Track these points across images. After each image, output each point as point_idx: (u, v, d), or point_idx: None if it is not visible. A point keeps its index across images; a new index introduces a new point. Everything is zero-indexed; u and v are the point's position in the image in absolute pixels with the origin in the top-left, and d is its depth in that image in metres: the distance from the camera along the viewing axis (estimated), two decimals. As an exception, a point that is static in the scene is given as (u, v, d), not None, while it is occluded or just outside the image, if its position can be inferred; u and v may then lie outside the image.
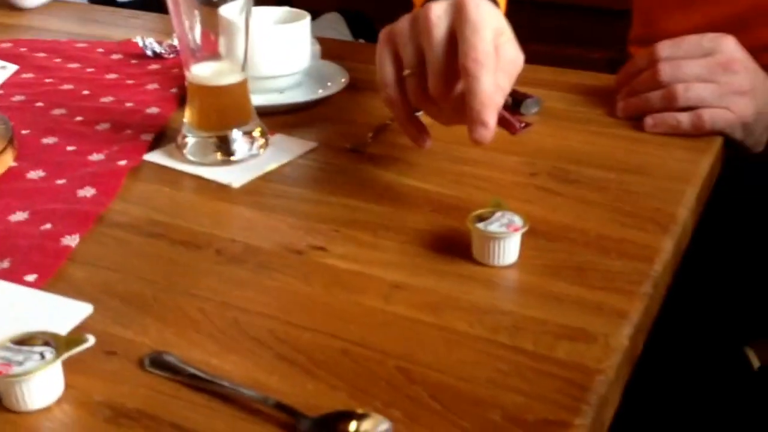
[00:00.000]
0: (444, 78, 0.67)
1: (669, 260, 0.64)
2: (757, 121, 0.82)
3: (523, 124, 0.83)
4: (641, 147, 0.81)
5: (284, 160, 0.79)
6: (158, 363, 0.52)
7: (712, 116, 0.80)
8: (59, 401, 0.50)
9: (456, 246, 0.65)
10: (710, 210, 0.77)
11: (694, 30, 0.96)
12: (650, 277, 0.60)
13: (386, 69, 0.71)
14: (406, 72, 0.70)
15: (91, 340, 0.50)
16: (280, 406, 0.48)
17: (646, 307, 0.58)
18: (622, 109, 0.86)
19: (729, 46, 0.81)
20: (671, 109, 0.82)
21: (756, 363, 0.87)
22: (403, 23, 0.70)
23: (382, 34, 0.73)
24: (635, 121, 0.85)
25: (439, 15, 0.67)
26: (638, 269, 0.61)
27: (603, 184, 0.73)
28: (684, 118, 0.81)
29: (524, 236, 0.63)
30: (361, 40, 1.60)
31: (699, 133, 0.81)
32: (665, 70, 0.81)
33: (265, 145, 0.80)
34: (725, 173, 0.83)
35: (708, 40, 0.81)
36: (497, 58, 0.67)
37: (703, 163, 0.78)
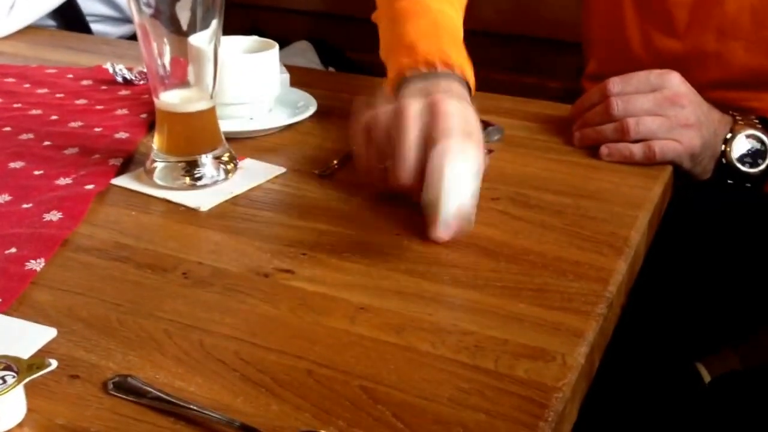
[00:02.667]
0: (414, 172, 0.71)
1: (623, 281, 0.66)
2: (703, 152, 0.86)
3: (485, 151, 0.84)
4: (597, 174, 0.83)
5: (253, 184, 0.80)
6: (122, 386, 0.52)
7: (661, 148, 0.84)
8: (21, 425, 0.50)
9: (420, 268, 0.66)
10: (661, 234, 0.80)
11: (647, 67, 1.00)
12: (605, 298, 0.62)
13: (364, 157, 0.76)
14: (387, 164, 0.73)
15: (53, 364, 0.50)
16: (246, 429, 0.49)
17: (602, 327, 0.60)
18: (578, 139, 0.89)
19: (675, 81, 0.85)
20: (624, 141, 0.85)
21: (707, 377, 0.89)
22: (383, 117, 0.74)
23: (361, 123, 0.76)
24: (591, 149, 0.87)
25: (414, 116, 0.71)
26: (594, 290, 0.63)
27: (561, 208, 0.75)
28: (636, 149, 0.85)
29: (485, 258, 0.64)
30: (331, 69, 1.61)
31: (650, 163, 0.84)
32: (617, 105, 0.85)
33: (234, 169, 0.81)
34: (675, 199, 0.87)
35: (655, 76, 0.85)
36: None
37: (654, 189, 0.80)
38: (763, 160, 0.87)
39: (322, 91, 1.01)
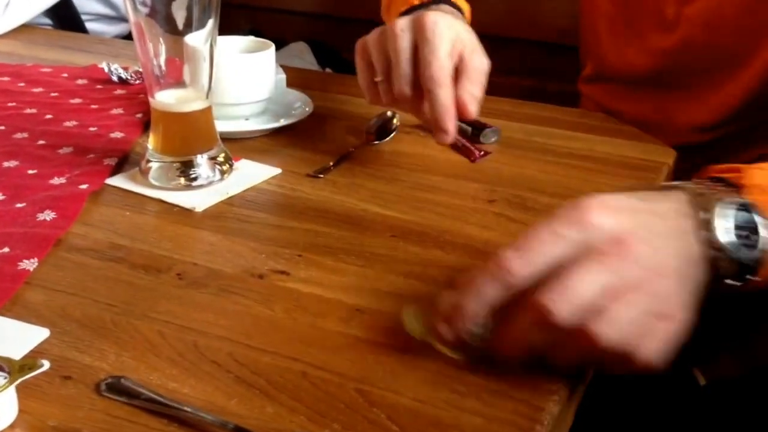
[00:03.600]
0: (408, 83, 0.78)
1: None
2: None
3: (482, 153, 0.85)
4: (594, 176, 0.83)
5: (248, 185, 0.80)
6: (115, 387, 0.52)
7: (656, 351, 0.54)
8: (12, 426, 0.49)
9: (416, 270, 0.65)
10: None
11: (642, 64, 0.99)
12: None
13: (361, 75, 0.83)
14: (377, 78, 0.80)
15: (45, 365, 0.50)
16: (240, 431, 0.48)
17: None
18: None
19: (595, 219, 0.53)
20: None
21: (702, 381, 0.88)
22: (374, 35, 0.81)
23: (358, 45, 0.83)
24: (588, 152, 0.86)
25: (402, 29, 0.77)
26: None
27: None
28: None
29: (481, 260, 0.64)
30: (328, 70, 1.61)
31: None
32: (555, 302, 0.50)
33: (229, 170, 0.81)
34: None
35: (562, 223, 0.53)
36: (464, 68, 0.77)
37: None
38: (755, 234, 0.57)
39: (317, 92, 1.01)
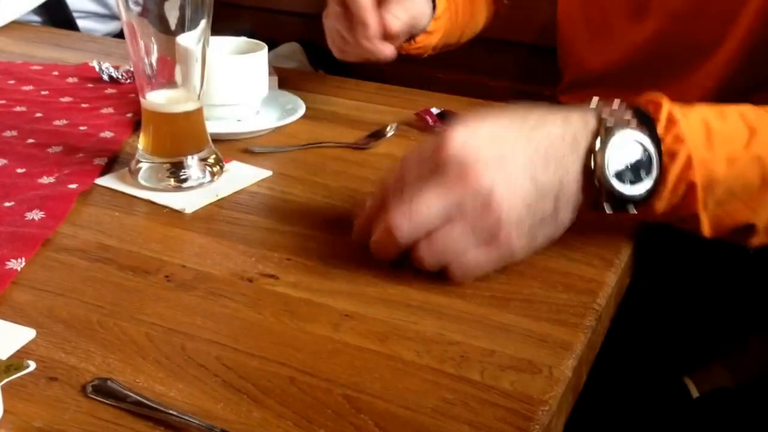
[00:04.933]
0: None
1: (612, 294, 0.65)
2: (536, 216, 0.63)
3: None
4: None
5: (238, 187, 0.79)
6: (101, 389, 0.52)
7: (463, 270, 0.63)
8: (-2, 427, 0.49)
9: (404, 276, 0.65)
10: (651, 246, 0.78)
11: (617, 59, 0.99)
12: (594, 310, 0.61)
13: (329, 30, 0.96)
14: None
15: (31, 365, 0.49)
16: (225, 435, 0.48)
17: (590, 339, 0.59)
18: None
19: (453, 147, 0.61)
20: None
21: (695, 392, 0.88)
22: None
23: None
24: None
25: None
26: (583, 302, 0.62)
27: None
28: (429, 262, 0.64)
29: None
30: (321, 70, 1.61)
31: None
32: (401, 228, 0.62)
33: (220, 172, 0.80)
34: None
35: (427, 148, 0.63)
36: None
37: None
38: (648, 173, 0.64)
39: (309, 94, 1.01)
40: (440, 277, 0.64)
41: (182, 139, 0.79)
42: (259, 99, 0.95)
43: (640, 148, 0.63)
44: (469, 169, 0.60)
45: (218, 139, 0.84)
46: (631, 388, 0.91)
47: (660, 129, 0.64)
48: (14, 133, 0.90)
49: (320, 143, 0.90)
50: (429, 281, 0.64)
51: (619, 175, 0.63)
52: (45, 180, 0.78)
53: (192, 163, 0.78)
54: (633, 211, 0.64)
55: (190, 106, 0.78)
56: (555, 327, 0.59)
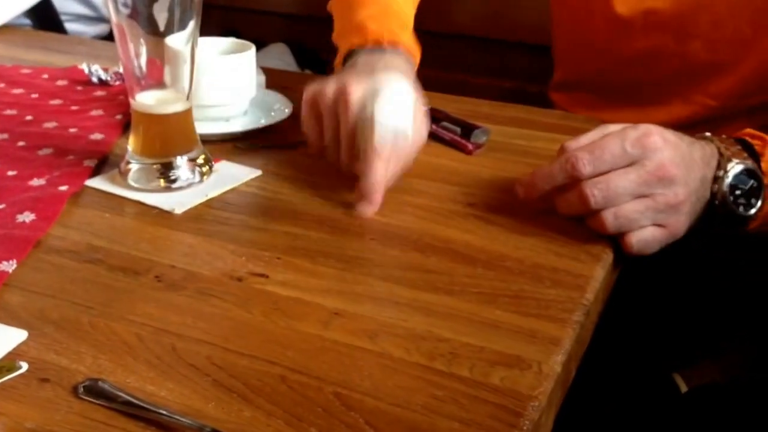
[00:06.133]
0: (352, 152, 0.76)
1: (600, 289, 0.66)
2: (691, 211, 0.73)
3: (475, 145, 0.85)
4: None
5: (228, 187, 0.80)
6: (92, 390, 0.52)
7: (640, 240, 0.71)
8: (-11, 428, 0.49)
9: (395, 274, 0.65)
10: None
11: (614, 73, 0.99)
12: (582, 306, 0.62)
13: (310, 131, 0.82)
14: (326, 144, 0.80)
15: (23, 366, 0.50)
16: (216, 434, 0.48)
17: (578, 335, 0.59)
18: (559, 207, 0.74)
19: (656, 145, 0.70)
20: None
21: (684, 388, 0.88)
22: (328, 94, 0.79)
23: (308, 95, 0.81)
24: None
25: (358, 101, 0.76)
26: (571, 297, 0.63)
27: (539, 214, 0.75)
28: (611, 227, 0.71)
29: (461, 264, 0.64)
30: (308, 71, 1.61)
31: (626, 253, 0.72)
32: (594, 196, 0.69)
33: (209, 172, 0.81)
34: None
35: (632, 144, 0.70)
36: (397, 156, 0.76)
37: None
38: (757, 199, 0.74)
39: (297, 94, 1.01)
40: (428, 273, 0.64)
41: (172, 140, 0.79)
42: (248, 99, 0.95)
43: (752, 180, 0.74)
44: (666, 169, 0.69)
45: (207, 140, 0.84)
46: (620, 383, 0.91)
47: (765, 164, 0.75)
48: (5, 136, 0.90)
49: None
50: (417, 279, 0.65)
51: (736, 203, 0.74)
52: (35, 182, 0.78)
53: (181, 163, 0.79)
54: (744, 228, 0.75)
55: (179, 107, 0.78)
56: (543, 323, 0.59)
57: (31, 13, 1.40)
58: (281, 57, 1.59)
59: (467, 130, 0.91)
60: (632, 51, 1.01)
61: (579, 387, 0.61)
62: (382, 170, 0.74)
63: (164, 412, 0.50)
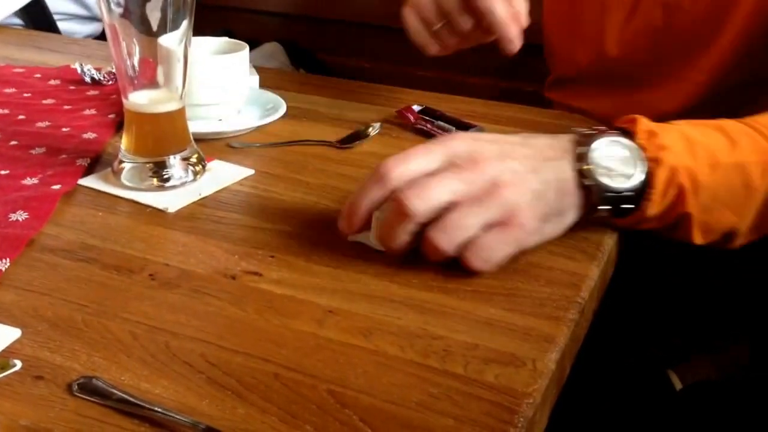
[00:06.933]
0: (470, 20, 0.89)
1: (595, 287, 0.66)
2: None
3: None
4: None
5: (221, 186, 0.80)
6: (87, 388, 0.52)
7: (478, 255, 0.64)
8: (-17, 426, 0.49)
9: (389, 272, 0.65)
10: (634, 239, 0.79)
11: (606, 60, 0.99)
12: (577, 304, 0.62)
13: (417, 31, 0.93)
14: (436, 28, 0.91)
15: (17, 364, 0.50)
16: (211, 431, 0.48)
17: (573, 333, 0.60)
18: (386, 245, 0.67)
19: (462, 140, 0.66)
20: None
21: (678, 385, 0.88)
22: None
23: (405, 8, 0.93)
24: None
25: None
26: (566, 296, 0.63)
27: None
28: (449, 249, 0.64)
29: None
30: (302, 70, 1.61)
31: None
32: (409, 199, 0.63)
33: (202, 171, 0.81)
34: None
35: (437, 143, 0.67)
36: None
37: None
38: (633, 172, 0.67)
39: (290, 93, 1.01)
40: (422, 271, 0.65)
41: (165, 139, 0.79)
42: (241, 98, 0.95)
43: (624, 150, 0.67)
44: (472, 161, 0.64)
45: (200, 139, 0.84)
46: (615, 381, 0.91)
47: (641, 140, 0.68)
48: (-4, 135, 0.89)
49: (302, 141, 0.90)
50: (411, 277, 0.65)
51: (610, 174, 0.67)
52: (28, 181, 0.78)
53: (174, 162, 0.78)
54: (627, 209, 0.68)
55: (172, 106, 0.78)
56: (538, 321, 0.60)
57: (23, 12, 1.40)
58: (275, 56, 1.59)
59: (463, 129, 0.91)
60: (623, 32, 1.02)
61: (573, 384, 0.61)
62: (504, 8, 0.85)
63: (159, 410, 0.50)
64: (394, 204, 0.64)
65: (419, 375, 0.54)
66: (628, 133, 0.69)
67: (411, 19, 0.92)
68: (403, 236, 0.64)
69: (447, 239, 0.63)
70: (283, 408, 0.51)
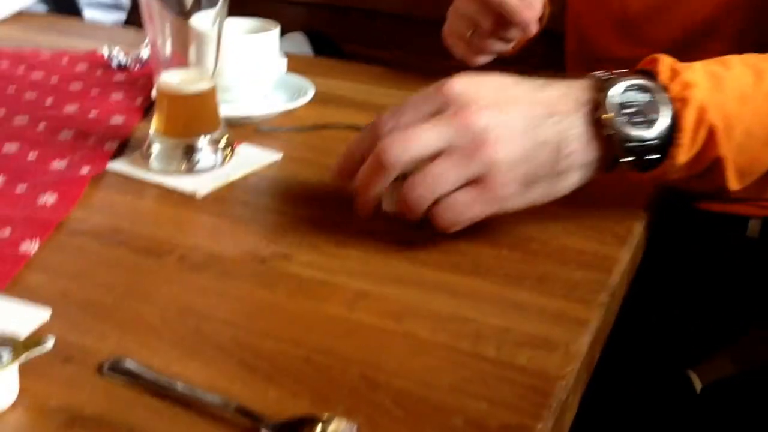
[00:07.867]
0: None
1: (625, 271, 0.65)
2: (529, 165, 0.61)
3: None
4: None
5: (249, 170, 0.79)
6: (117, 368, 0.52)
7: (446, 208, 0.62)
8: (14, 406, 0.49)
9: (420, 255, 0.65)
10: (656, 236, 0.76)
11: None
12: (608, 287, 0.61)
13: (456, 43, 1.00)
14: (467, 35, 0.98)
15: (50, 340, 0.49)
16: (241, 411, 0.48)
17: (604, 316, 0.59)
18: (362, 210, 0.66)
19: (454, 83, 0.62)
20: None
21: (698, 385, 0.86)
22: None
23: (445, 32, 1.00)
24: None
25: None
26: (597, 279, 0.62)
27: (566, 197, 0.74)
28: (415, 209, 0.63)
29: (487, 246, 0.64)
30: (325, 60, 1.61)
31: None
32: (386, 152, 0.61)
33: (231, 155, 0.80)
34: (673, 197, 0.80)
35: (432, 89, 0.64)
36: None
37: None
38: (657, 117, 0.62)
39: (317, 78, 1.00)
40: (453, 254, 0.64)
41: (195, 120, 0.79)
42: (272, 78, 0.94)
43: (646, 93, 0.62)
44: (466, 108, 0.60)
45: (228, 123, 0.84)
46: (635, 382, 0.89)
47: (664, 79, 0.63)
48: (25, 119, 0.89)
49: (329, 125, 0.89)
50: (442, 260, 0.64)
51: (632, 122, 0.61)
52: (57, 165, 0.78)
53: (203, 145, 0.78)
54: (653, 159, 0.62)
55: (203, 86, 0.78)
56: (570, 304, 0.59)
57: (49, -1, 1.40)
58: (299, 46, 1.59)
59: None
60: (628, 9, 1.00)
61: (593, 387, 0.59)
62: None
63: (189, 390, 0.49)
64: (373, 155, 0.61)
65: (451, 358, 0.53)
66: (650, 74, 0.64)
67: (450, 40, 0.99)
68: (378, 186, 0.62)
69: (418, 194, 0.60)
70: (314, 390, 0.50)
